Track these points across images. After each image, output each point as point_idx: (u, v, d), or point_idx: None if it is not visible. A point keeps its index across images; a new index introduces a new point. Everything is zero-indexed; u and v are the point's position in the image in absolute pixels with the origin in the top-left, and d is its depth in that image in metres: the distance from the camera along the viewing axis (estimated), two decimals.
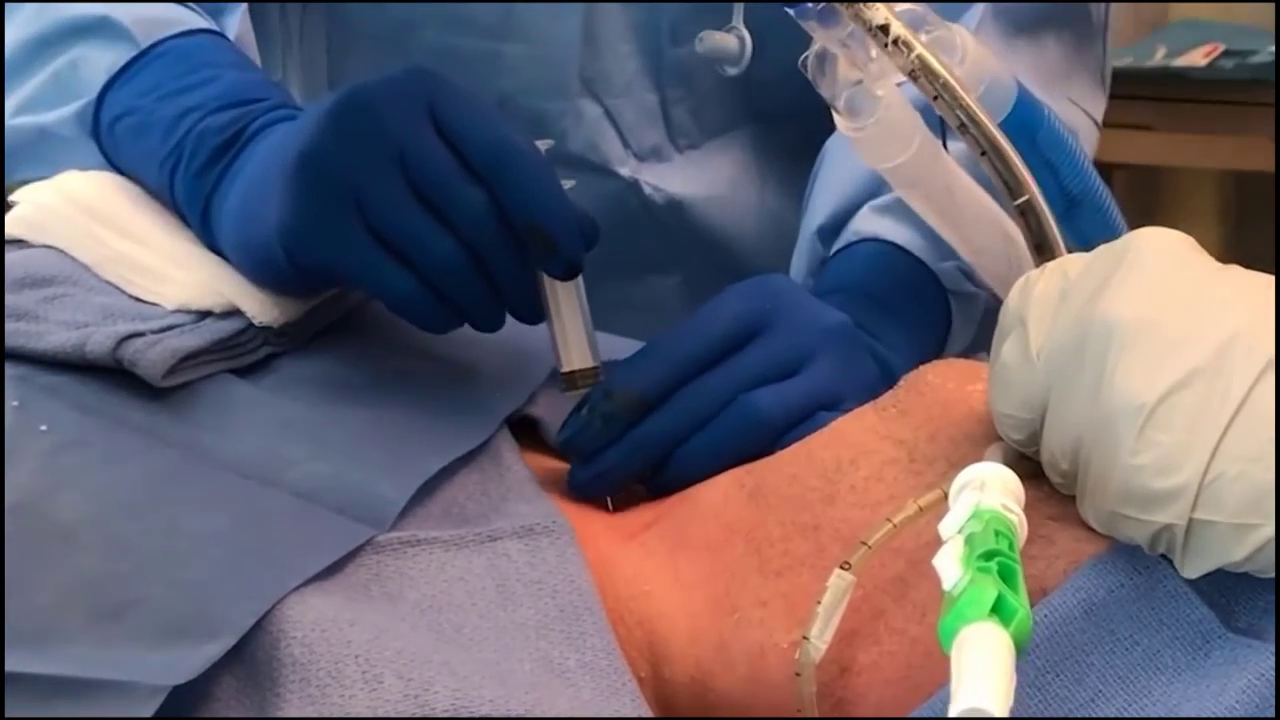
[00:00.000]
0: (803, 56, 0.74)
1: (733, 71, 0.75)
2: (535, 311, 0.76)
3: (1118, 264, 0.62)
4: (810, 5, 0.73)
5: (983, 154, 0.79)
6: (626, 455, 0.75)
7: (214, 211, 0.80)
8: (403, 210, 0.72)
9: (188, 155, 0.81)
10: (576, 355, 0.77)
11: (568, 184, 0.76)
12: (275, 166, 0.75)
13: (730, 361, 0.77)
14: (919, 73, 0.77)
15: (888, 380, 0.78)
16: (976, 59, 0.78)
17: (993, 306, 0.95)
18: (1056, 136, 0.81)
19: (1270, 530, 0.56)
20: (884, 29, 0.77)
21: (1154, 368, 0.58)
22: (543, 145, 0.76)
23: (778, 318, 0.78)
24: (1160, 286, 0.60)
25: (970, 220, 0.82)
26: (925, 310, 0.96)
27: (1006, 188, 0.79)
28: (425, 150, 0.72)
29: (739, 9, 0.73)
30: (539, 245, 0.73)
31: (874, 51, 0.76)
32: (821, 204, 1.02)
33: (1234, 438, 0.56)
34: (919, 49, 0.77)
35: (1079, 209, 0.83)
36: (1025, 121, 0.80)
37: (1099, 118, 1.07)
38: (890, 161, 0.78)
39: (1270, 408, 0.56)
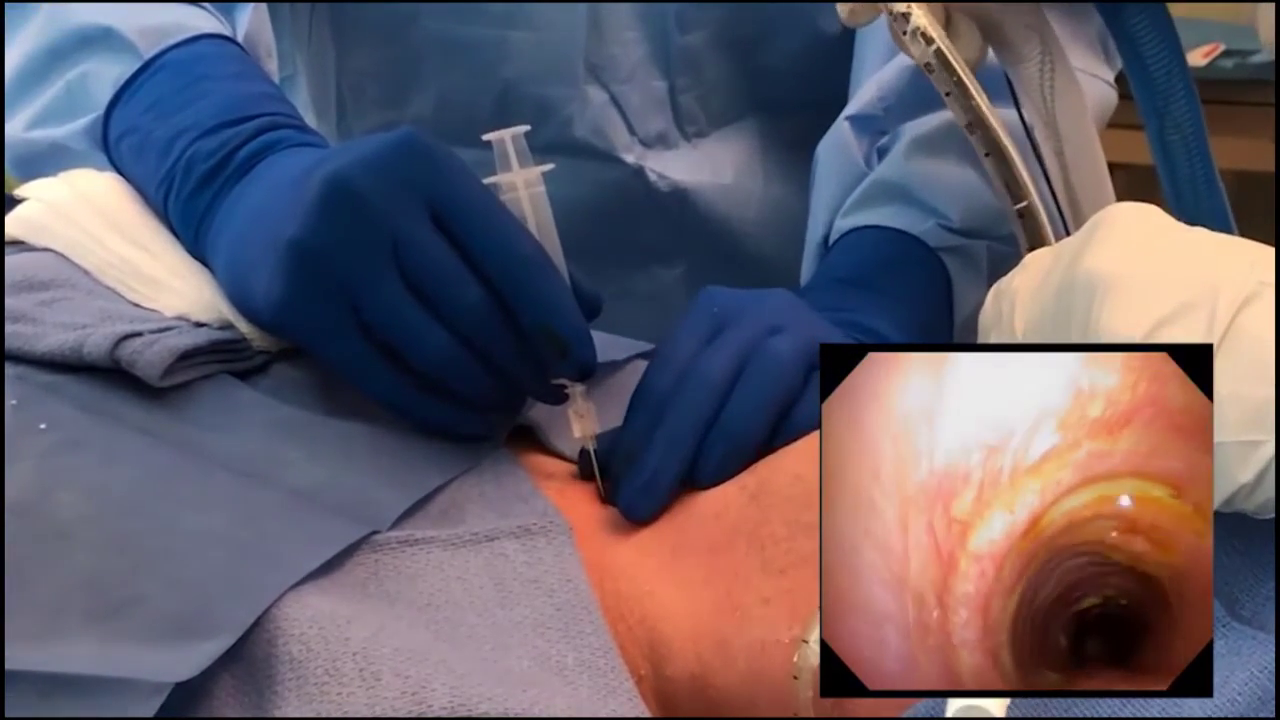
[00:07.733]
0: None
1: None
2: (557, 393, 0.75)
3: (1091, 233, 0.62)
4: None
5: (987, 155, 0.78)
6: (664, 455, 0.72)
7: (205, 242, 0.80)
8: (397, 308, 0.71)
9: (178, 181, 0.81)
10: None
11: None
12: (262, 236, 0.74)
13: (713, 344, 0.75)
14: (934, 67, 0.76)
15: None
16: None
17: (998, 252, 0.96)
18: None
19: (1272, 447, 0.56)
20: (905, 17, 0.76)
21: (1140, 308, 0.59)
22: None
23: (733, 312, 0.77)
24: (1138, 242, 0.61)
25: None
26: (907, 276, 0.96)
27: (1007, 190, 0.79)
28: (421, 245, 0.71)
29: None
30: (550, 348, 0.72)
31: None
32: (817, 216, 1.03)
33: (1222, 361, 0.57)
34: (939, 43, 0.76)
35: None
36: None
37: (1109, 80, 1.07)
38: None
39: (1259, 331, 0.57)
